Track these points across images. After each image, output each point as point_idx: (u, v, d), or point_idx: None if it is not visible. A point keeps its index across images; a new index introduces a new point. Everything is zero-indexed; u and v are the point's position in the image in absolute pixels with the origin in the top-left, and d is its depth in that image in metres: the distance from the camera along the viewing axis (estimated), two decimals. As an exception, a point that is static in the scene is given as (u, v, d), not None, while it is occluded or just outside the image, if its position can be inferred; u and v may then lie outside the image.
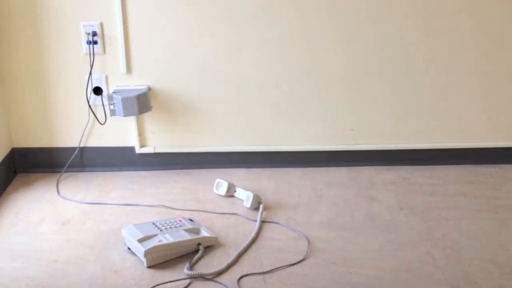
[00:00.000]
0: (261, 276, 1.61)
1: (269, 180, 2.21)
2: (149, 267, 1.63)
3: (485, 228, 1.86)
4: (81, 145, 2.27)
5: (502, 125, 2.33)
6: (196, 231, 1.74)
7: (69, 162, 2.27)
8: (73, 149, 2.28)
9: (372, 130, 2.32)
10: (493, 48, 2.22)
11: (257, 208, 1.94)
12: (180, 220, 1.75)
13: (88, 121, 2.23)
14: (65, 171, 2.27)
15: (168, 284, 1.57)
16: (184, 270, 1.60)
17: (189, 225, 1.75)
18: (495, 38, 2.21)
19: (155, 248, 1.63)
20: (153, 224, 1.74)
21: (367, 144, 2.34)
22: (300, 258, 1.69)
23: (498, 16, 2.18)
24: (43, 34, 2.15)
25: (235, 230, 1.85)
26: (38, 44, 2.16)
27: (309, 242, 1.77)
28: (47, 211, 1.98)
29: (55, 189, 2.16)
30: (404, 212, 1.97)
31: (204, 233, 1.74)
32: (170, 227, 1.72)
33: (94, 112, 2.22)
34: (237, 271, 1.62)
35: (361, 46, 2.20)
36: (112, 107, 2.17)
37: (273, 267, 1.65)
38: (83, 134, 2.26)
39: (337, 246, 1.76)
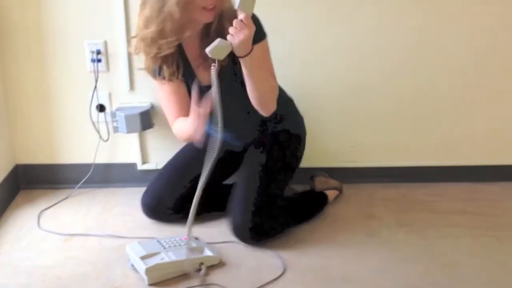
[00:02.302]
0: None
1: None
2: (150, 285, 1.64)
3: (484, 246, 1.87)
4: (84, 162, 2.30)
5: (501, 143, 2.35)
6: (199, 250, 1.74)
7: (72, 179, 2.29)
8: (76, 165, 2.30)
9: (372, 148, 2.34)
10: (494, 68, 2.25)
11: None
12: (185, 238, 1.74)
13: (92, 138, 2.26)
14: (68, 188, 2.29)
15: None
16: None
17: (193, 244, 1.75)
18: (500, 60, 2.25)
19: (156, 266, 1.64)
20: (158, 241, 1.76)
21: (367, 161, 2.36)
22: (298, 274, 1.71)
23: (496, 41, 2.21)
24: (47, 52, 2.18)
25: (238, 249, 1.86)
26: (42, 62, 2.19)
27: (309, 259, 1.79)
28: (50, 227, 2.00)
29: (58, 205, 2.18)
30: (403, 229, 1.99)
31: (208, 252, 1.74)
32: (174, 245, 1.73)
33: (98, 129, 2.25)
34: None
35: (360, 63, 2.23)
36: (115, 124, 2.20)
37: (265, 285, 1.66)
38: (86, 151, 2.28)
39: (337, 263, 1.77)
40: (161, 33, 1.64)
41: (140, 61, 2.16)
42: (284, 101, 1.97)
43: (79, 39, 2.16)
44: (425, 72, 2.25)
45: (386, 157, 2.36)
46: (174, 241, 1.76)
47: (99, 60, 2.17)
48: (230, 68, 1.75)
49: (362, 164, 2.36)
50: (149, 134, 2.29)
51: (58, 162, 2.32)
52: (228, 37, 1.57)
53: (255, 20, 1.64)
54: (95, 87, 2.18)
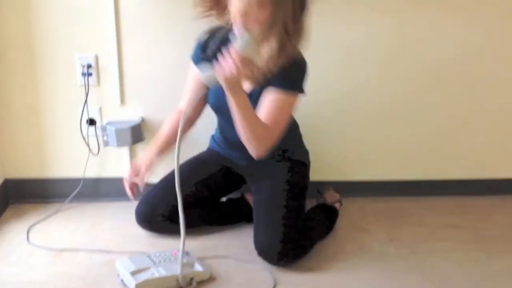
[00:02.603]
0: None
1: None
2: (140, 300, 1.64)
3: (474, 260, 1.88)
4: (74, 176, 2.28)
5: (489, 157, 2.37)
6: (190, 265, 1.73)
7: (61, 193, 2.28)
8: (66, 180, 2.29)
9: (363, 161, 2.35)
10: (481, 84, 2.28)
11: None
12: (175, 253, 1.73)
13: (82, 152, 2.25)
14: (58, 202, 2.27)
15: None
16: None
17: (184, 259, 1.72)
18: (488, 76, 2.28)
19: (146, 281, 1.63)
20: (148, 257, 1.74)
21: (358, 175, 2.37)
22: (291, 290, 1.70)
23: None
24: (38, 65, 2.18)
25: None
26: (33, 75, 2.18)
27: (299, 274, 1.79)
28: (39, 242, 1.98)
29: (48, 220, 2.16)
30: (394, 243, 1.99)
31: (198, 267, 1.73)
32: (165, 260, 1.72)
33: (88, 143, 2.24)
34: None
35: (353, 76, 2.25)
36: (105, 138, 2.20)
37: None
38: (76, 165, 2.28)
39: (328, 277, 1.77)
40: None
41: (129, 74, 2.19)
42: (294, 135, 2.00)
43: (70, 52, 2.16)
44: (414, 87, 2.27)
45: (377, 171, 2.37)
46: (164, 256, 1.74)
47: (89, 74, 2.17)
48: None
49: (353, 178, 2.37)
50: (140, 147, 2.29)
51: (47, 176, 2.31)
52: (216, 64, 1.56)
53: (298, 69, 1.69)
54: (86, 101, 2.18)
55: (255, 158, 1.74)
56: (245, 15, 1.58)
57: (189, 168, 1.99)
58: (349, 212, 2.23)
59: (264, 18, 1.59)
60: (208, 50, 1.81)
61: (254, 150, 1.72)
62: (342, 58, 2.23)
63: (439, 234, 2.06)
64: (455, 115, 2.31)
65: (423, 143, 2.34)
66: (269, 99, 1.70)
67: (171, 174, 2.02)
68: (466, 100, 2.30)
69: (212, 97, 1.87)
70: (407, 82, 2.27)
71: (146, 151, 1.94)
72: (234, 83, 1.55)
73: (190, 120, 1.93)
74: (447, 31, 2.21)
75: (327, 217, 2.06)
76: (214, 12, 1.72)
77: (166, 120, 1.96)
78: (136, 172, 1.89)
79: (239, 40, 1.55)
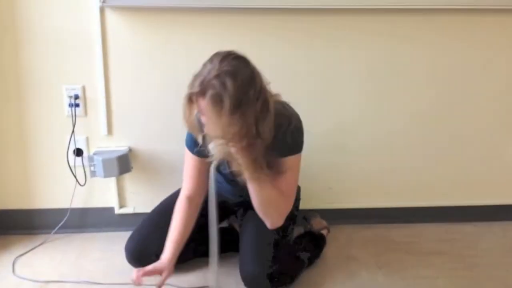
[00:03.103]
0: None
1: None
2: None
3: (462, 286, 1.88)
4: (61, 207, 2.27)
5: (476, 184, 2.40)
6: None
7: (48, 224, 2.26)
8: (53, 210, 2.28)
9: (349, 189, 2.37)
10: (466, 112, 2.31)
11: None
12: None
13: (69, 183, 2.24)
14: (44, 233, 2.25)
15: None
16: None
17: None
18: (473, 105, 2.31)
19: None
20: None
21: (345, 203, 2.38)
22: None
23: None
24: (25, 96, 2.18)
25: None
26: (20, 106, 2.18)
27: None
28: (25, 274, 1.96)
29: (34, 251, 2.14)
30: (382, 271, 1.99)
31: None
32: None
33: (75, 174, 2.23)
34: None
35: (337, 106, 2.27)
36: (92, 168, 2.19)
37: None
38: (62, 196, 2.27)
39: (317, 306, 1.77)
40: None
41: (116, 105, 2.20)
42: None
43: (57, 83, 2.17)
44: (400, 113, 2.30)
45: (364, 198, 2.38)
46: None
47: (77, 105, 2.18)
48: None
49: (340, 206, 2.38)
50: (127, 177, 2.28)
51: (34, 207, 2.29)
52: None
53: (295, 132, 1.70)
54: (73, 131, 2.18)
55: (271, 228, 1.77)
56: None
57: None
58: (337, 240, 2.23)
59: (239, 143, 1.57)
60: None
61: (272, 222, 1.77)
62: (329, 91, 2.26)
63: (426, 261, 2.06)
64: (441, 143, 2.34)
65: (409, 171, 2.36)
66: (280, 168, 1.71)
67: (162, 206, 2.01)
68: (452, 127, 2.33)
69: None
70: (393, 115, 2.29)
71: (165, 251, 1.78)
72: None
73: (199, 203, 1.89)
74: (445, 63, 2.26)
75: (314, 245, 2.06)
76: None
77: (176, 214, 1.85)
78: (157, 271, 1.74)
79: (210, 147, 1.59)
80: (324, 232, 2.15)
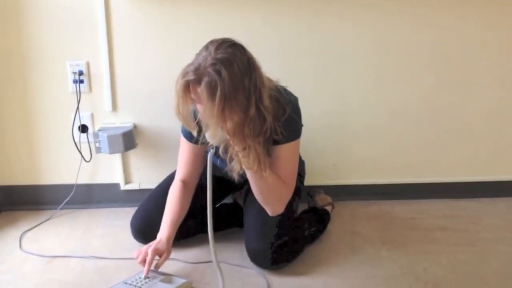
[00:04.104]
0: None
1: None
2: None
3: (466, 262, 1.89)
4: (67, 183, 2.28)
5: (480, 160, 2.39)
6: (169, 280, 1.69)
7: (54, 200, 2.28)
8: (58, 186, 2.29)
9: (354, 165, 2.37)
10: (473, 86, 2.30)
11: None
12: (146, 274, 1.67)
13: (74, 159, 2.25)
14: (50, 209, 2.27)
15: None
16: None
17: (160, 276, 1.69)
18: (481, 79, 2.29)
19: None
20: (125, 283, 1.66)
21: (349, 179, 2.38)
22: (284, 294, 1.71)
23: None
24: (29, 73, 2.18)
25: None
26: (24, 83, 2.19)
27: (293, 278, 1.79)
28: (31, 249, 1.98)
29: (40, 227, 2.16)
30: (386, 246, 2.00)
31: (179, 280, 1.69)
32: (142, 284, 1.64)
33: (80, 150, 2.24)
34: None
35: (342, 82, 2.27)
36: (97, 144, 2.20)
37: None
38: (68, 172, 2.28)
39: (320, 280, 1.78)
40: None
41: (121, 81, 2.19)
42: None
43: (61, 60, 2.17)
44: (404, 90, 2.29)
45: (368, 175, 2.38)
46: (140, 279, 1.66)
47: (81, 81, 2.18)
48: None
49: (345, 182, 2.38)
50: (132, 154, 2.29)
51: (39, 183, 2.30)
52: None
53: (293, 118, 1.68)
54: (77, 108, 2.18)
55: (272, 215, 1.77)
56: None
57: None
58: (341, 216, 2.24)
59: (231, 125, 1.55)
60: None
61: (273, 209, 1.77)
62: (334, 70, 2.24)
63: (431, 237, 2.07)
64: (445, 119, 2.33)
65: (413, 147, 2.36)
66: (277, 156, 1.71)
67: (167, 181, 1.99)
68: (456, 103, 2.32)
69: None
70: (398, 93, 2.28)
71: (161, 234, 1.77)
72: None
73: (194, 185, 1.90)
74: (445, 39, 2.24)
75: (318, 220, 2.07)
76: None
77: (171, 196, 1.85)
78: (158, 253, 1.73)
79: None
80: (328, 208, 2.16)
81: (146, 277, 1.66)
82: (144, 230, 1.93)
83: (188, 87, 1.50)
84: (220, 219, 2.05)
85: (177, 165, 1.89)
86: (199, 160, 1.85)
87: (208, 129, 1.53)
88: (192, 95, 1.51)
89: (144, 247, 1.72)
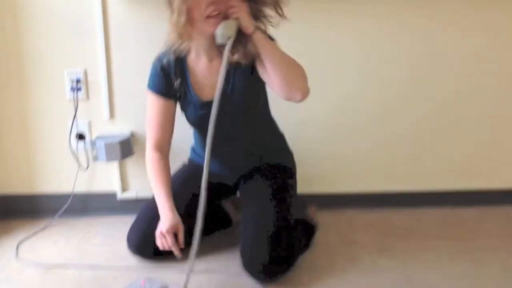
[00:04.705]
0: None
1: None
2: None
3: (464, 271, 1.89)
4: (63, 191, 2.28)
5: (479, 168, 2.39)
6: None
7: (50, 208, 2.27)
8: (55, 195, 2.28)
9: (352, 173, 2.37)
10: (471, 96, 2.30)
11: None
12: (143, 282, 1.67)
13: (71, 167, 2.24)
14: (47, 217, 2.26)
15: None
16: None
17: (157, 285, 1.67)
18: (479, 86, 2.29)
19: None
20: None
21: (347, 187, 2.38)
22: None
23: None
24: (27, 80, 2.18)
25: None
26: (22, 90, 2.19)
27: (290, 286, 1.78)
28: (28, 258, 1.97)
29: (37, 236, 2.15)
30: (384, 255, 2.00)
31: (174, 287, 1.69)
32: None
33: (77, 158, 2.23)
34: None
35: (341, 88, 2.27)
36: (95, 152, 2.19)
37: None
38: (65, 180, 2.27)
39: (319, 290, 1.78)
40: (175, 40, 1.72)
41: (119, 89, 2.19)
42: (277, 135, 2.01)
43: (59, 67, 2.17)
44: (401, 99, 2.29)
45: (366, 183, 2.38)
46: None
47: (78, 89, 2.17)
48: (241, 88, 1.77)
49: (342, 190, 2.38)
50: (129, 162, 2.29)
51: (36, 191, 2.30)
52: (231, 12, 1.60)
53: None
54: (75, 115, 2.18)
55: (302, 98, 1.65)
56: (215, 2, 1.60)
57: (178, 190, 1.92)
58: (339, 224, 2.23)
59: None
60: (171, 72, 1.81)
61: (300, 86, 1.65)
62: (326, 76, 2.25)
63: (429, 245, 2.06)
64: (443, 127, 2.33)
65: (410, 154, 2.36)
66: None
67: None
68: (454, 111, 2.32)
69: (193, 117, 1.84)
70: (394, 95, 2.29)
71: (168, 213, 1.77)
72: (250, 17, 1.62)
73: (168, 151, 1.89)
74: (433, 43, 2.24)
75: (305, 234, 2.03)
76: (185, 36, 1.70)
77: (157, 171, 1.84)
78: (174, 230, 1.75)
79: (219, 31, 1.60)
80: (314, 221, 2.13)
81: (181, 255, 1.72)
82: (144, 248, 1.90)
83: None
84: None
85: (147, 130, 1.86)
86: (170, 121, 1.84)
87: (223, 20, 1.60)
88: None
89: (159, 236, 1.73)
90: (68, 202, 2.26)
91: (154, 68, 1.83)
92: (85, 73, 2.18)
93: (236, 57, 1.66)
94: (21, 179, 2.28)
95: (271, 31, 1.70)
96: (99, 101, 2.21)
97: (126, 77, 2.19)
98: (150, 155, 1.85)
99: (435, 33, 2.22)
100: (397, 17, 2.19)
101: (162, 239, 1.74)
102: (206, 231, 2.00)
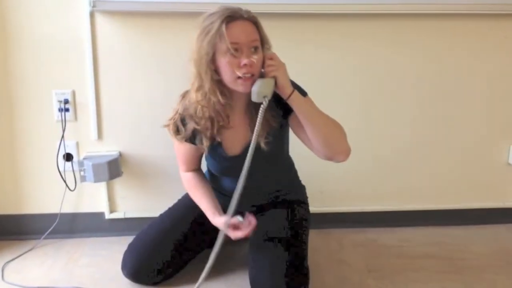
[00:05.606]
0: None
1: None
2: None
3: (452, 290, 1.89)
4: (51, 212, 2.26)
5: (466, 187, 2.41)
6: None
7: (37, 229, 2.25)
8: (42, 215, 2.26)
9: (340, 193, 2.37)
10: (453, 114, 2.32)
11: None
12: None
13: (58, 188, 2.23)
14: (34, 238, 2.24)
15: None
16: None
17: None
18: (463, 107, 2.32)
19: None
20: None
21: (336, 206, 2.38)
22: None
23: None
24: (15, 101, 2.17)
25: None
26: (9, 111, 2.18)
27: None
28: (14, 280, 1.94)
29: (23, 257, 2.13)
30: (373, 274, 1.99)
31: None
32: None
33: (65, 179, 2.22)
34: None
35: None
36: (82, 173, 2.18)
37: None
38: (52, 201, 2.25)
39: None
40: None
41: (107, 109, 2.19)
42: (294, 172, 2.02)
43: (47, 88, 2.16)
44: (389, 118, 2.30)
45: (355, 202, 2.39)
46: None
47: (66, 110, 2.17)
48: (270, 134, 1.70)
49: (331, 210, 2.38)
50: (117, 182, 2.28)
51: (23, 212, 2.28)
52: (269, 70, 1.56)
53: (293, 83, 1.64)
54: (62, 136, 2.17)
55: (345, 159, 1.65)
56: (250, 65, 1.53)
57: (176, 219, 1.94)
58: (328, 244, 2.23)
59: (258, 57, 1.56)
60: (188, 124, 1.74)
61: (343, 147, 1.65)
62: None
63: (417, 265, 2.07)
64: (430, 146, 2.35)
65: (399, 175, 2.37)
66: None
67: (164, 221, 1.96)
68: (439, 131, 2.34)
69: (217, 168, 1.81)
70: (381, 118, 2.30)
71: (217, 218, 1.75)
72: (288, 77, 1.59)
73: (199, 167, 1.94)
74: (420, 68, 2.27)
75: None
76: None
77: (195, 184, 1.86)
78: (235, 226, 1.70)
79: (255, 89, 1.54)
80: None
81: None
82: (140, 273, 1.86)
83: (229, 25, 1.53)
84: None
85: (178, 163, 1.90)
86: (198, 156, 1.87)
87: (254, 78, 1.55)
88: (228, 38, 1.52)
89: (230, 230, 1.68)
90: (55, 223, 2.24)
91: (174, 122, 1.78)
92: (73, 94, 2.18)
93: (268, 118, 1.64)
94: (8, 199, 2.26)
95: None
96: (87, 122, 2.21)
97: (114, 97, 2.19)
98: (184, 176, 1.90)
99: (428, 59, 2.25)
100: (389, 36, 2.22)
101: (240, 234, 1.66)
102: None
